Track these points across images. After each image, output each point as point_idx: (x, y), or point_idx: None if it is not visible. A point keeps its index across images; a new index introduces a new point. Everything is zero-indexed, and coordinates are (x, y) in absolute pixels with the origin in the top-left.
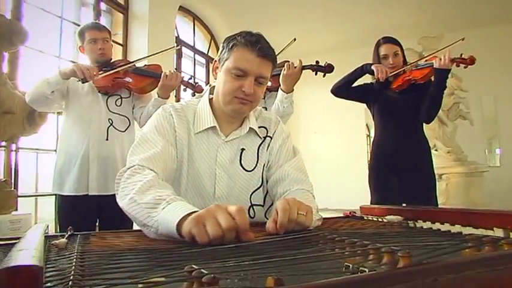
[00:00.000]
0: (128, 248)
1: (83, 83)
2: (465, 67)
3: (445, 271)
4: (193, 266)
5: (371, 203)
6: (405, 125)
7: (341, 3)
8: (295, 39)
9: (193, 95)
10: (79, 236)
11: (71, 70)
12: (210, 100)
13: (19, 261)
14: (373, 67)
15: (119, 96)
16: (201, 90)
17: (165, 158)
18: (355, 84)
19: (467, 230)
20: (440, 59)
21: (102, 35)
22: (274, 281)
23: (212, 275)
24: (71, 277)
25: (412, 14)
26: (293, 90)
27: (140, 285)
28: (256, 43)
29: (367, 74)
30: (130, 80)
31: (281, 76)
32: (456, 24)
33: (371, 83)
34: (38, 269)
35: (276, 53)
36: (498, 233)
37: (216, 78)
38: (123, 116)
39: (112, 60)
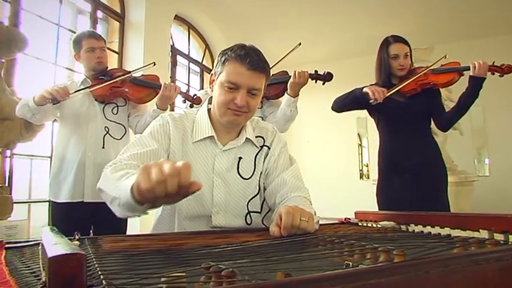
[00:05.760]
0: (141, 249)
1: (53, 104)
2: (501, 76)
3: (435, 265)
4: (210, 262)
5: (379, 209)
6: (415, 129)
7: (334, 14)
8: (300, 44)
9: (191, 106)
10: (86, 239)
11: (41, 96)
12: (209, 110)
13: (65, 251)
14: (365, 90)
15: (115, 105)
16: (199, 102)
17: (153, 158)
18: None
19: (456, 233)
20: (479, 66)
21: (99, 43)
22: (284, 275)
23: (230, 269)
24: (99, 273)
25: (403, 25)
26: (299, 94)
27: (163, 279)
28: (246, 57)
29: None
30: (128, 90)
31: (290, 83)
32: (446, 36)
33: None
34: (83, 256)
35: (281, 58)
36: (484, 234)
37: (213, 91)
38: (119, 124)
39: (108, 69)
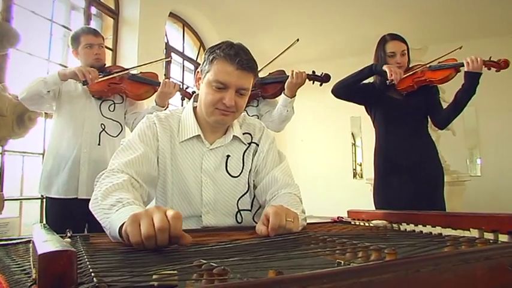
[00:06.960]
0: (133, 247)
1: (83, 85)
2: (497, 71)
3: (426, 264)
4: (202, 260)
5: (376, 208)
6: (412, 127)
7: (329, 14)
8: (298, 40)
9: None
10: (78, 237)
11: (72, 72)
12: (194, 108)
13: (56, 248)
14: (385, 67)
15: (112, 102)
16: None
17: (144, 163)
18: None
19: (447, 232)
20: (472, 61)
21: (97, 40)
22: (276, 273)
23: (222, 267)
24: (91, 270)
25: (398, 25)
26: (296, 95)
27: (155, 277)
28: (235, 56)
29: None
30: (127, 87)
31: (287, 83)
32: (441, 36)
33: (372, 82)
34: (73, 253)
35: (279, 54)
36: (474, 233)
37: (199, 89)
38: (115, 121)
39: (106, 66)
